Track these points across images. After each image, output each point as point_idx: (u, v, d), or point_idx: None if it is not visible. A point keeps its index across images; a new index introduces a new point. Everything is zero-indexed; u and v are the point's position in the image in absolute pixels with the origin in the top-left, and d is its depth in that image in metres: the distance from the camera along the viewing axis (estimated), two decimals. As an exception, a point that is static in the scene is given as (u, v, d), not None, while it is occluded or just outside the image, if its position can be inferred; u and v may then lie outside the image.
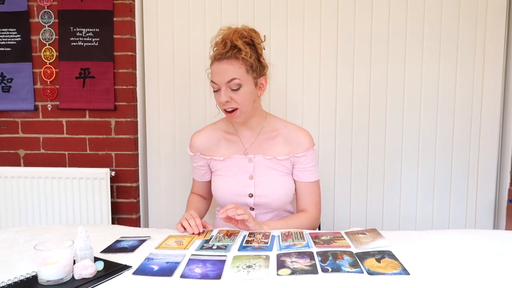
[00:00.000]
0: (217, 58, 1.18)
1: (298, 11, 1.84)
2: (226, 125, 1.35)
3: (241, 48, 1.16)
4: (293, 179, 1.31)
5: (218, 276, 0.81)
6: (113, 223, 1.93)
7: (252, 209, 1.28)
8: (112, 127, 1.91)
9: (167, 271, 0.84)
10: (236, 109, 1.19)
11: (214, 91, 1.22)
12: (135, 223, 1.96)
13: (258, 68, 1.21)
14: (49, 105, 1.91)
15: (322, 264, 0.84)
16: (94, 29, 1.85)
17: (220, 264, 0.87)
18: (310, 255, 0.89)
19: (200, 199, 1.41)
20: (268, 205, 1.27)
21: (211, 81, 1.20)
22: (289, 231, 1.09)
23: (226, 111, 1.21)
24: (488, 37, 1.81)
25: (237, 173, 1.28)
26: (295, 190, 1.32)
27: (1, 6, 1.85)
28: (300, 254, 0.91)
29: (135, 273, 0.83)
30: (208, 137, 1.34)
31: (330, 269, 0.82)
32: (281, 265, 0.85)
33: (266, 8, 1.85)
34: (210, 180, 1.38)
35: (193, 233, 1.10)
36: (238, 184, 1.27)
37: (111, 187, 1.91)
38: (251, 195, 1.26)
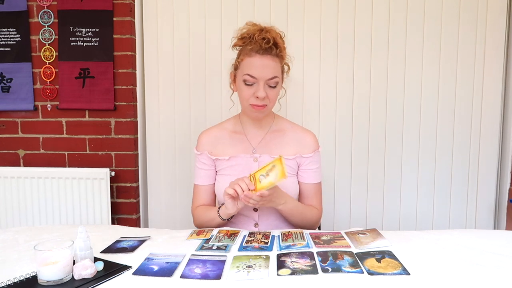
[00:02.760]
0: (260, 52, 1.15)
1: (298, 11, 1.84)
2: (233, 125, 1.34)
3: (282, 48, 1.18)
4: (298, 180, 1.31)
5: (218, 276, 0.80)
6: (113, 223, 1.93)
7: (255, 210, 1.28)
8: (112, 127, 1.91)
9: (167, 271, 0.83)
10: (266, 105, 1.19)
11: (246, 84, 1.17)
12: (135, 223, 1.96)
13: (285, 70, 1.26)
14: (48, 105, 1.91)
15: (322, 264, 0.84)
16: (94, 29, 1.85)
17: (220, 264, 0.87)
18: (310, 255, 0.89)
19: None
20: None
21: (248, 74, 1.15)
22: (289, 231, 1.09)
23: (254, 106, 1.19)
24: (488, 37, 1.81)
25: (241, 172, 1.27)
26: (299, 191, 1.32)
27: (0, 6, 1.85)
28: (300, 254, 0.90)
29: (135, 273, 0.83)
30: (216, 137, 1.33)
31: (330, 269, 0.81)
32: (281, 265, 0.85)
33: (266, 8, 1.85)
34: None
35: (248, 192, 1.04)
36: None
37: (111, 187, 1.91)
38: None
